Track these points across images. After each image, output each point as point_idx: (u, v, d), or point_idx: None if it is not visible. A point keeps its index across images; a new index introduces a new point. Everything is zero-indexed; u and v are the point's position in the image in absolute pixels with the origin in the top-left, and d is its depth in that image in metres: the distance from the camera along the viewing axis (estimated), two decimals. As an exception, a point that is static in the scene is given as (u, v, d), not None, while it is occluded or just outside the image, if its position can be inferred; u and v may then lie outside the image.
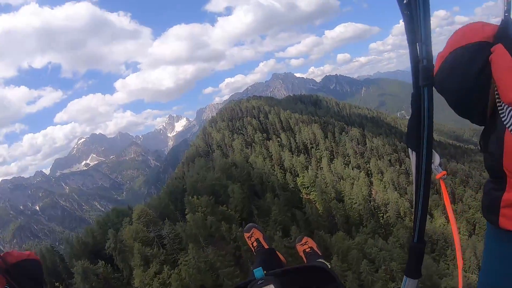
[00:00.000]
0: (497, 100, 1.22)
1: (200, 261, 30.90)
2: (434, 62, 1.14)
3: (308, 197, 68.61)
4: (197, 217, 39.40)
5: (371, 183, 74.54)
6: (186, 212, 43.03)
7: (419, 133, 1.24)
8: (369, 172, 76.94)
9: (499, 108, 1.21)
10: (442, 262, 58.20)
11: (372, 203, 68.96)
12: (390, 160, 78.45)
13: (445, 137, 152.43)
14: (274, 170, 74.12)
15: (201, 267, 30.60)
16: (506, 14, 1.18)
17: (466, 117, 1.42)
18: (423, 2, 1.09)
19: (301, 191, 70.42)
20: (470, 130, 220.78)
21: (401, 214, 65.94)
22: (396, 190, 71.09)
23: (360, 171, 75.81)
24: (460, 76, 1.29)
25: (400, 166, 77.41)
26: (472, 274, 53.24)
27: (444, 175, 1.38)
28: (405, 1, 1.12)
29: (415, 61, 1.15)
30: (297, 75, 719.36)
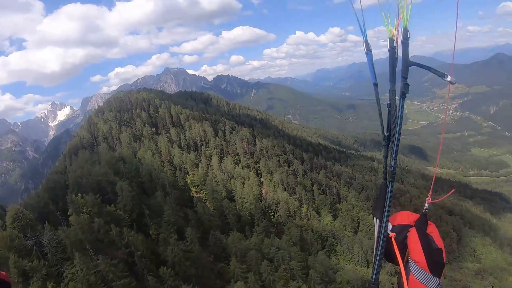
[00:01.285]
0: (409, 255, 2.23)
1: (90, 273, 25.82)
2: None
3: (198, 195, 66.70)
4: (82, 219, 33.25)
5: (261, 182, 77.15)
6: (69, 213, 36.07)
7: (382, 209, 2.16)
8: (259, 172, 79.46)
9: (409, 260, 2.22)
10: (333, 257, 63.86)
11: (263, 202, 71.26)
12: (279, 161, 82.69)
13: (329, 143, 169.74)
14: (164, 167, 69.76)
15: (91, 280, 25.62)
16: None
17: (390, 261, 2.30)
18: (398, 136, 2.05)
19: (191, 189, 68.08)
20: (351, 137, 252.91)
21: (291, 213, 70.00)
22: (285, 190, 75.25)
23: (250, 171, 77.56)
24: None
25: (289, 167, 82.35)
26: (361, 267, 59.91)
27: (394, 235, 2.25)
28: (386, 134, 2.14)
29: (386, 167, 2.15)
30: (190, 71, 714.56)
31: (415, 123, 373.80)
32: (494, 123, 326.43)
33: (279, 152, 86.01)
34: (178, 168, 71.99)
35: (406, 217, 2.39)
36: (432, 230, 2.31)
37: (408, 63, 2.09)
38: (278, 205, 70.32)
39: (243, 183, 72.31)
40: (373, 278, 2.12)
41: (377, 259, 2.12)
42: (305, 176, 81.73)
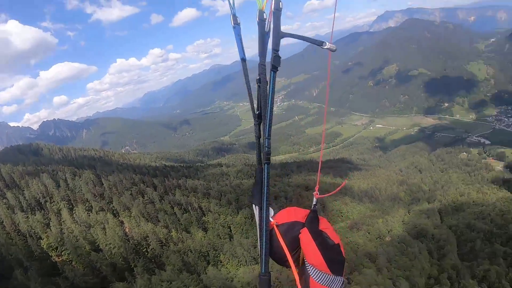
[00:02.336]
0: (306, 259, 2.22)
1: None
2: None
3: (61, 258, 55.08)
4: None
5: (122, 222, 70.26)
6: None
7: (261, 195, 2.11)
8: (115, 211, 71.94)
9: (306, 262, 2.22)
10: (222, 268, 65.64)
11: (131, 241, 65.32)
12: (132, 194, 77.21)
13: (174, 162, 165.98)
14: (12, 239, 53.46)
15: None
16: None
17: (282, 264, 2.28)
18: (270, 113, 2.07)
19: (51, 255, 55.30)
20: (193, 151, 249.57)
21: (164, 242, 67.19)
22: (148, 221, 71.27)
23: (106, 213, 69.42)
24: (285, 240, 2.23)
25: (143, 197, 78.11)
26: (252, 265, 62.87)
27: (276, 222, 2.26)
28: (257, 112, 2.19)
29: (259, 148, 2.18)
30: (12, 124, 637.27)
31: (249, 123, 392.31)
32: (319, 103, 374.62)
33: (129, 185, 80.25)
34: (28, 235, 56.79)
35: (293, 213, 2.35)
36: (325, 225, 2.30)
37: (280, 35, 2.02)
38: (147, 238, 66.54)
39: (103, 228, 64.29)
40: (263, 270, 2.06)
41: (264, 248, 2.06)
42: (163, 200, 79.79)
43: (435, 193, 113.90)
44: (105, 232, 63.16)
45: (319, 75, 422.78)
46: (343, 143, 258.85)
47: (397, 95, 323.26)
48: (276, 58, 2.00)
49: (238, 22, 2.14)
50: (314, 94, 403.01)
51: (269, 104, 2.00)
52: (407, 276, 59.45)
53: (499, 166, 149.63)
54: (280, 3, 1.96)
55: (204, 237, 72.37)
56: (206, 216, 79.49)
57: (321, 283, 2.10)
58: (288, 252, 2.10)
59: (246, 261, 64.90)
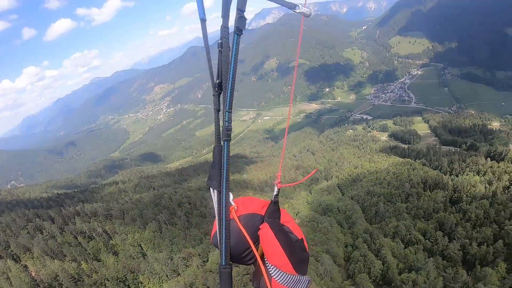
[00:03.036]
0: (267, 259, 1.93)
1: None
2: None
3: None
4: None
5: (26, 266, 67.12)
6: None
7: (219, 177, 1.88)
8: (16, 257, 68.06)
9: (268, 265, 1.93)
10: None
11: (41, 285, 63.49)
12: (28, 233, 73.86)
13: (66, 189, 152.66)
14: None
15: None
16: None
17: (238, 261, 2.03)
18: (231, 83, 1.81)
19: None
20: (84, 173, 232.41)
21: (76, 278, 66.04)
22: (53, 258, 68.28)
23: (6, 260, 65.53)
24: (241, 234, 1.94)
25: (42, 233, 75.93)
26: (174, 277, 65.60)
27: (236, 206, 2.01)
28: (217, 81, 1.86)
29: (218, 123, 1.84)
30: None
31: (137, 134, 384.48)
32: (205, 104, 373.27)
33: (23, 224, 76.69)
34: None
35: (249, 204, 2.12)
36: (286, 218, 2.10)
37: None
38: (58, 278, 64.67)
39: (7, 278, 61.11)
40: (223, 262, 1.88)
41: (224, 237, 1.87)
42: (64, 232, 77.04)
43: (331, 171, 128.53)
44: (10, 282, 60.60)
45: (201, 77, 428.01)
46: (234, 140, 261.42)
47: (280, 87, 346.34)
48: (241, 19, 1.79)
49: None
50: (199, 96, 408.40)
51: (231, 72, 1.80)
52: (326, 249, 64.84)
53: (383, 136, 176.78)
54: None
55: (117, 261, 71.21)
56: (113, 239, 78.65)
57: (285, 285, 1.88)
58: (253, 244, 1.91)
59: (167, 275, 65.70)
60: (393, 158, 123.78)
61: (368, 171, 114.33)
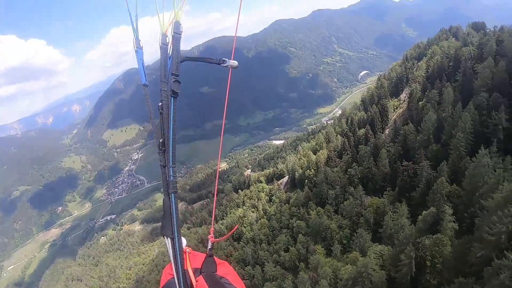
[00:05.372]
0: None
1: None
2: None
3: None
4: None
5: None
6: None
7: (171, 226, 2.04)
8: None
9: None
10: None
11: None
12: None
13: None
14: None
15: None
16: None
17: None
18: (172, 141, 2.05)
19: None
20: None
21: None
22: None
23: None
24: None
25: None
26: None
27: (188, 248, 2.23)
28: (160, 140, 2.07)
29: (165, 177, 2.05)
30: None
31: None
32: None
33: None
34: None
35: (191, 258, 2.30)
36: (227, 270, 2.25)
37: (179, 59, 2.06)
38: None
39: None
40: None
41: (181, 281, 2.00)
42: None
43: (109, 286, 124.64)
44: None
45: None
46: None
47: (10, 225, 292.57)
48: (176, 83, 2.00)
49: (141, 45, 2.14)
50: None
51: (171, 132, 2.01)
52: None
53: (137, 226, 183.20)
54: (181, 26, 2.01)
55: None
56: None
57: None
58: None
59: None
60: (158, 239, 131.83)
61: (143, 263, 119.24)
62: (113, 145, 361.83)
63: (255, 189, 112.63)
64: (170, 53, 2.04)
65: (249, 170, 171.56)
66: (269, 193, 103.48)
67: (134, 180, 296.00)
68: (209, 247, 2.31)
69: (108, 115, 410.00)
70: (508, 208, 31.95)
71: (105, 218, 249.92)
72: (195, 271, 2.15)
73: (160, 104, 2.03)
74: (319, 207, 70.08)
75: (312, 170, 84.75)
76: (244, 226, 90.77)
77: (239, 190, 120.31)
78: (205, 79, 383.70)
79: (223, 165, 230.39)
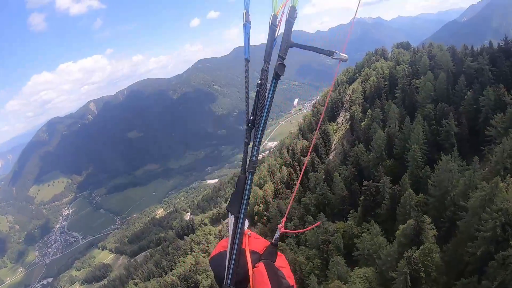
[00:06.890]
0: None
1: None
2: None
3: None
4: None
5: None
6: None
7: (240, 204, 2.05)
8: None
9: None
10: None
11: None
12: None
13: None
14: None
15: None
16: None
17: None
18: (264, 121, 2.05)
19: None
20: None
21: None
22: None
23: None
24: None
25: None
26: None
27: (249, 231, 2.19)
28: (251, 117, 2.08)
29: (246, 155, 2.07)
30: None
31: None
32: None
33: None
34: None
35: (253, 240, 2.28)
36: (282, 263, 2.19)
37: (288, 44, 2.05)
38: None
39: None
40: (228, 282, 1.98)
41: (232, 259, 1.99)
42: None
43: None
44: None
45: None
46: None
47: None
48: (281, 66, 2.01)
49: (250, 20, 2.14)
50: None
51: (265, 112, 2.02)
52: None
53: (76, 287, 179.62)
54: (296, 12, 1.99)
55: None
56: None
57: None
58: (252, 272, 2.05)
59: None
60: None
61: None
62: (41, 201, 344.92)
63: (201, 233, 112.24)
64: (277, 35, 2.09)
65: (189, 214, 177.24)
66: (219, 235, 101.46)
67: (68, 238, 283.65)
68: (276, 236, 2.32)
69: (33, 169, 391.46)
70: (495, 203, 33.48)
71: (41, 283, 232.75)
72: (252, 253, 2.18)
73: (258, 82, 2.05)
74: (279, 242, 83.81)
75: (261, 205, 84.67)
76: (199, 274, 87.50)
77: (185, 236, 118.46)
78: (131, 124, 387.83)
79: (160, 211, 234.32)
